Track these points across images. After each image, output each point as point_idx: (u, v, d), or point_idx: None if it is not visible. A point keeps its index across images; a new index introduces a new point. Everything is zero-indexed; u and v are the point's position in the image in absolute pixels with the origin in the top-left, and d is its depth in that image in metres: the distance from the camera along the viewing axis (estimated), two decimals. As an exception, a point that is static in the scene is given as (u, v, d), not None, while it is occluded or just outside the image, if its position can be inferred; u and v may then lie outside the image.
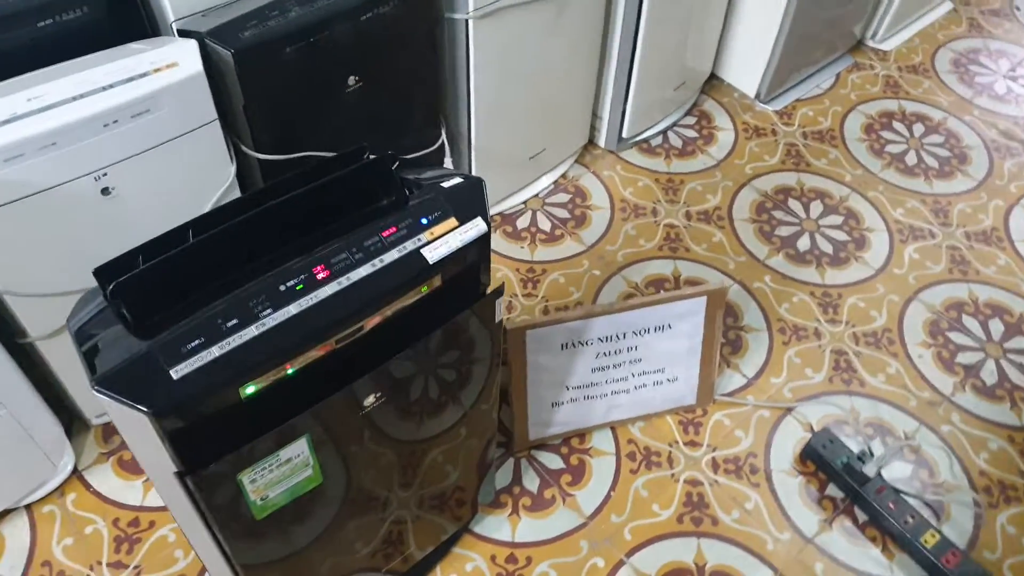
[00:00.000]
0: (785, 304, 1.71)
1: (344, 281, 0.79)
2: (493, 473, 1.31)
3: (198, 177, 1.23)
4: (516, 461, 1.45)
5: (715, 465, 1.46)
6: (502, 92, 1.58)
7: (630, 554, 1.35)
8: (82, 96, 1.08)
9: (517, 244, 1.79)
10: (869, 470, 1.38)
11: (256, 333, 0.75)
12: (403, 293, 0.82)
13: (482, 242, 0.86)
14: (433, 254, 0.83)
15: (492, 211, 1.84)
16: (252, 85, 1.22)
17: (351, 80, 1.33)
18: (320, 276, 0.79)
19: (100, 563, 1.30)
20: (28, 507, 1.36)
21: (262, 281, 0.78)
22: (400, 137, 1.49)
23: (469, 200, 0.87)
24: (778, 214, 1.89)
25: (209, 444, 0.78)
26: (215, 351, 0.73)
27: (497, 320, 0.95)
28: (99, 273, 0.79)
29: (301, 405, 0.81)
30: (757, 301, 1.72)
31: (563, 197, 1.90)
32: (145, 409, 0.70)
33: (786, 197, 1.93)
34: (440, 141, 1.56)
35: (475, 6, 1.39)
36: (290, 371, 0.78)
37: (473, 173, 1.69)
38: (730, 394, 1.56)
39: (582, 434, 1.48)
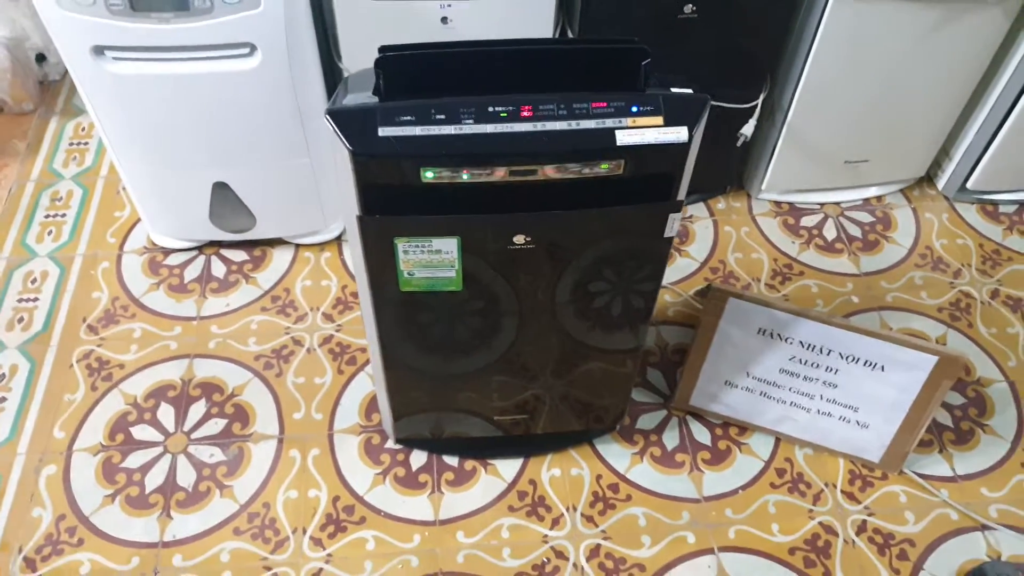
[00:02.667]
0: (1049, 429, 1.47)
1: (539, 125, 0.89)
2: (627, 402, 1.36)
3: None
4: (668, 415, 1.47)
5: (862, 528, 1.34)
6: (840, 83, 1.52)
7: (723, 550, 1.32)
8: (456, -67, 1.28)
9: (790, 238, 1.74)
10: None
11: (451, 132, 0.88)
12: (581, 159, 0.90)
13: (677, 150, 0.90)
14: (624, 138, 0.89)
15: (784, 198, 1.80)
16: (597, -24, 1.34)
17: (687, 8, 1.39)
18: (523, 114, 0.89)
19: (318, 309, 1.59)
20: (297, 246, 1.69)
21: (481, 99, 0.90)
22: (718, 84, 1.51)
23: (686, 110, 0.91)
24: (1104, 341, 1.60)
25: (387, 204, 0.94)
26: (417, 130, 0.88)
27: (666, 235, 0.99)
28: (384, 48, 0.97)
29: (464, 212, 0.94)
30: (1020, 411, 1.50)
31: (865, 216, 1.79)
32: (348, 147, 0.88)
33: None
34: (755, 103, 1.55)
35: (842, -19, 1.36)
36: (465, 176, 0.90)
37: (779, 150, 1.66)
38: (924, 476, 1.41)
39: (744, 427, 1.45)
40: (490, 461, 1.41)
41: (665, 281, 1.67)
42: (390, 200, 0.94)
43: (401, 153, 0.88)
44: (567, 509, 1.36)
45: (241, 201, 1.55)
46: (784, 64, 1.56)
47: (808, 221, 1.78)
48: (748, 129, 1.56)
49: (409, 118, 0.88)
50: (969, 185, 1.77)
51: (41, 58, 1.96)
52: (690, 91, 0.92)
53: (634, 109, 0.90)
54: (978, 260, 1.72)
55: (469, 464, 1.40)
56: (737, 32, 1.46)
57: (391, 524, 1.34)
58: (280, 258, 1.68)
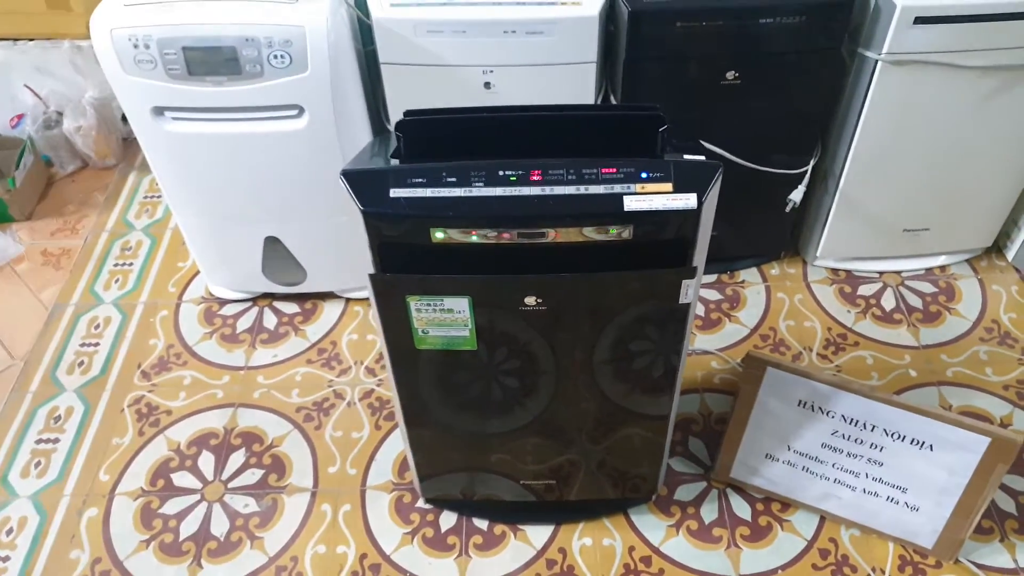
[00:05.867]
0: None
1: (547, 190, 0.89)
2: (661, 471, 1.32)
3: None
4: (708, 487, 1.41)
5: (911, 621, 1.25)
6: (893, 149, 1.48)
7: (758, 635, 1.25)
8: (498, 3, 1.32)
9: (845, 307, 1.68)
10: None
11: (460, 194, 0.90)
12: (589, 223, 0.89)
13: (687, 217, 0.89)
14: (632, 204, 0.88)
15: (841, 266, 1.74)
16: (638, 46, 1.35)
17: (730, 75, 1.38)
18: (533, 178, 0.90)
19: (361, 363, 1.62)
20: (347, 300, 1.74)
21: (493, 162, 0.91)
22: (767, 149, 1.49)
23: (696, 178, 0.89)
24: None
25: (400, 262, 0.95)
26: (427, 192, 0.90)
27: (681, 301, 0.96)
28: (408, 112, 1.00)
29: (474, 272, 0.95)
30: (1097, 504, 1.38)
31: (927, 287, 1.71)
32: (359, 206, 0.90)
33: None
34: (805, 169, 1.52)
35: (890, 49, 1.33)
36: (474, 237, 0.91)
37: (832, 217, 1.61)
38: (982, 566, 1.30)
39: (787, 504, 1.38)
40: (520, 526, 1.38)
41: (712, 347, 1.62)
42: (404, 259, 0.95)
43: (410, 214, 0.90)
44: (595, 580, 1.32)
45: (292, 255, 1.60)
46: (835, 130, 1.52)
47: (866, 290, 1.71)
48: (797, 195, 1.52)
49: (421, 180, 0.90)
50: (1042, 256, 1.68)
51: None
52: (703, 158, 0.91)
53: (644, 175, 0.89)
54: (1052, 336, 1.61)
55: (499, 528, 1.38)
56: (783, 98, 1.44)
57: (414, 585, 1.32)
58: (330, 311, 1.73)
